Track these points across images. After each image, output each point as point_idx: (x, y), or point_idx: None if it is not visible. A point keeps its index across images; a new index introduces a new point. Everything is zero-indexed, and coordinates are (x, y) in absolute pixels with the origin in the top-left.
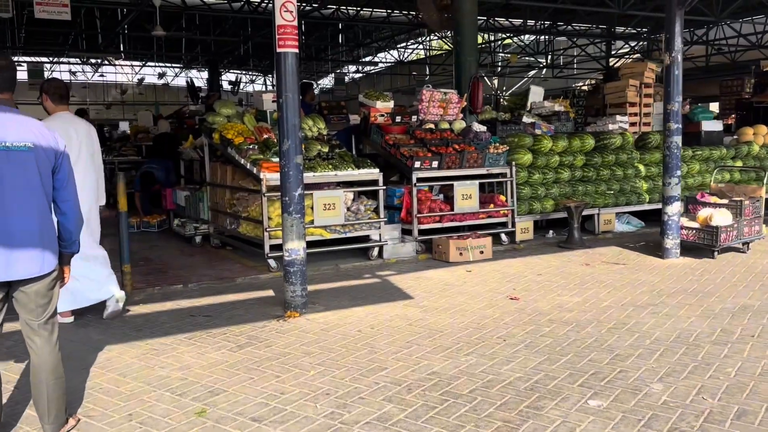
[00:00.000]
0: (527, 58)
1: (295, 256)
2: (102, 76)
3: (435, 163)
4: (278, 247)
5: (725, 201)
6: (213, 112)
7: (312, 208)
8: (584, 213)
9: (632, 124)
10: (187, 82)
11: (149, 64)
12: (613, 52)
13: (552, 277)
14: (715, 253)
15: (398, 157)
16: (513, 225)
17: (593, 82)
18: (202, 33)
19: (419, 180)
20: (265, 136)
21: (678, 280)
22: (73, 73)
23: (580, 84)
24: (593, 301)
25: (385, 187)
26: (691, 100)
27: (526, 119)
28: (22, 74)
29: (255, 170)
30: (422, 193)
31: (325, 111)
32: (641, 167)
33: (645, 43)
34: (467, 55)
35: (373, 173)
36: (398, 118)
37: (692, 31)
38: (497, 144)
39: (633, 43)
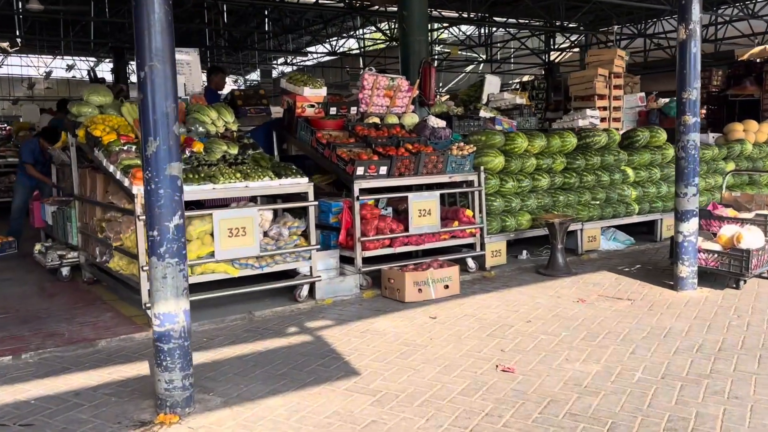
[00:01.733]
0: (463, 52)
1: (170, 325)
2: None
3: (383, 169)
4: None
5: (748, 214)
6: (79, 101)
7: (212, 235)
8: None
9: (601, 120)
10: (88, 72)
11: (59, 56)
12: (552, 47)
13: (547, 326)
14: (741, 282)
15: (334, 160)
16: (482, 247)
17: (531, 78)
18: (99, 14)
19: (363, 192)
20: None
21: (713, 326)
22: None
23: (521, 79)
24: (618, 370)
25: (316, 203)
26: (657, 93)
27: (484, 113)
28: None
29: (126, 181)
30: (367, 208)
31: (239, 102)
32: (629, 171)
33: (583, 37)
34: (416, 34)
35: (299, 183)
36: (333, 110)
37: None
38: (461, 144)
39: (574, 38)
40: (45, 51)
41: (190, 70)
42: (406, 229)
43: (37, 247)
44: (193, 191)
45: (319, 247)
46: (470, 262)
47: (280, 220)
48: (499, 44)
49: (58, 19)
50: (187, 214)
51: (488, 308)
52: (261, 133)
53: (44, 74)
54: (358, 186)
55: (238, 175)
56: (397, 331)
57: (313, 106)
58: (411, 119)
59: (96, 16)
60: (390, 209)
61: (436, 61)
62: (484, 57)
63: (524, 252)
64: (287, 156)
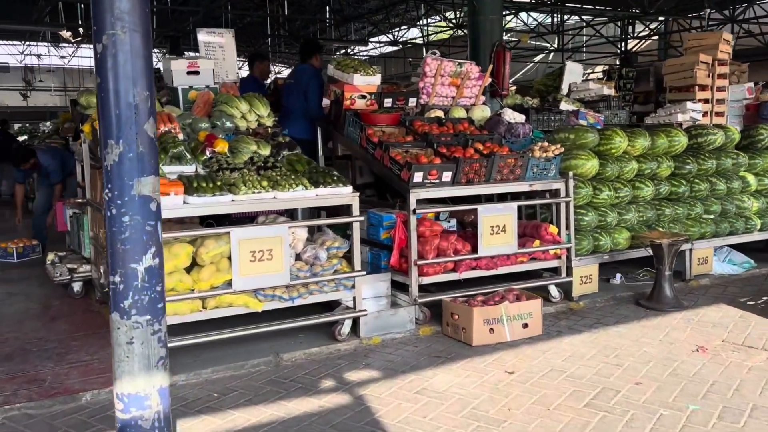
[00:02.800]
0: (532, 41)
1: (138, 410)
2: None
3: (447, 175)
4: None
5: None
6: (90, 90)
7: (229, 258)
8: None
9: (702, 114)
10: None
11: None
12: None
13: (664, 393)
14: None
15: (386, 163)
16: (569, 272)
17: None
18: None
19: (421, 203)
20: (163, 128)
21: None
22: (38, 56)
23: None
24: None
25: (362, 218)
26: (763, 84)
27: (565, 105)
28: None
29: (79, 207)
30: (426, 224)
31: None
32: (751, 178)
33: (662, 25)
34: (488, 12)
35: (341, 194)
36: (388, 102)
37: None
38: (544, 143)
39: (653, 25)
40: None
41: (223, 55)
42: (474, 250)
43: (50, 256)
44: (206, 204)
45: (365, 273)
46: (553, 290)
47: (317, 239)
48: (570, 32)
49: None
50: (197, 233)
51: (581, 359)
52: (302, 128)
53: None
54: (415, 196)
55: (265, 183)
56: (462, 394)
57: (364, 96)
58: (482, 113)
59: (158, 3)
60: (454, 221)
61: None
62: (553, 46)
63: (618, 276)
64: (333, 158)
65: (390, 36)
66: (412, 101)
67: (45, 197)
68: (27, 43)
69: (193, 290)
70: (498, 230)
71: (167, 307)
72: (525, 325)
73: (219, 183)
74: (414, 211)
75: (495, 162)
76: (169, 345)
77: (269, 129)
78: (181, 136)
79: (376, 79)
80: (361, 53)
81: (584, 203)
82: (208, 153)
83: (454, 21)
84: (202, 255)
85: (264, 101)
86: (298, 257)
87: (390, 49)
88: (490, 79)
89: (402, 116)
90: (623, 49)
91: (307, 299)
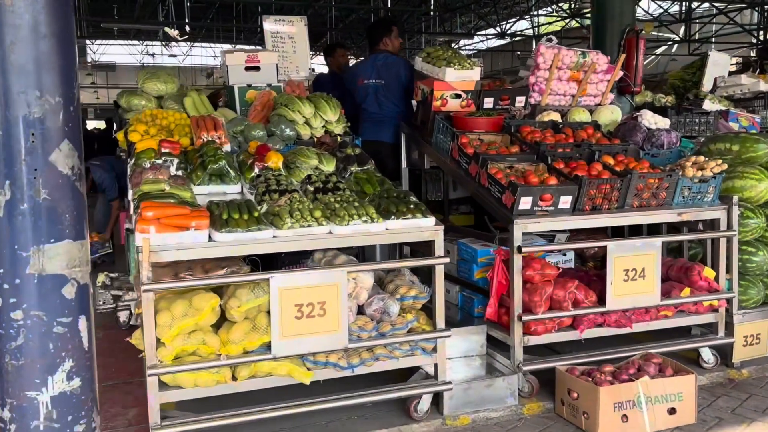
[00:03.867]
0: (654, 32)
1: None
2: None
3: (565, 200)
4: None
5: None
6: (131, 91)
7: (269, 313)
8: None
9: None
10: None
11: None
12: None
13: None
14: None
15: (483, 182)
16: (728, 329)
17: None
18: None
19: (528, 237)
20: (205, 137)
21: None
22: (152, 55)
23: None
24: None
25: (445, 260)
26: None
27: (711, 105)
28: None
29: (130, 222)
30: (535, 265)
31: None
32: None
33: None
34: None
35: (420, 227)
36: (489, 102)
37: None
38: (699, 157)
39: None
40: (221, 39)
41: (294, 47)
42: (601, 300)
43: (101, 278)
44: (237, 241)
45: (450, 334)
46: (706, 353)
47: (387, 284)
48: (699, 21)
49: (230, 4)
50: (228, 280)
51: None
52: (389, 132)
53: (220, 63)
54: (520, 228)
55: (319, 212)
56: None
57: (458, 96)
58: (611, 115)
59: (262, 5)
60: (571, 255)
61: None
62: (678, 36)
63: None
64: (418, 171)
65: (498, 29)
66: (520, 101)
67: (101, 215)
68: (145, 42)
69: (220, 355)
70: (635, 275)
71: (185, 377)
72: (672, 411)
73: (257, 213)
74: (519, 248)
75: (632, 183)
76: (185, 429)
77: (338, 137)
78: (227, 147)
79: (473, 74)
80: (466, 47)
81: (753, 238)
82: (257, 169)
83: (568, 9)
84: (233, 309)
85: (334, 103)
86: (360, 310)
87: (497, 42)
88: (621, 73)
89: (506, 120)
90: (763, 38)
91: (372, 367)
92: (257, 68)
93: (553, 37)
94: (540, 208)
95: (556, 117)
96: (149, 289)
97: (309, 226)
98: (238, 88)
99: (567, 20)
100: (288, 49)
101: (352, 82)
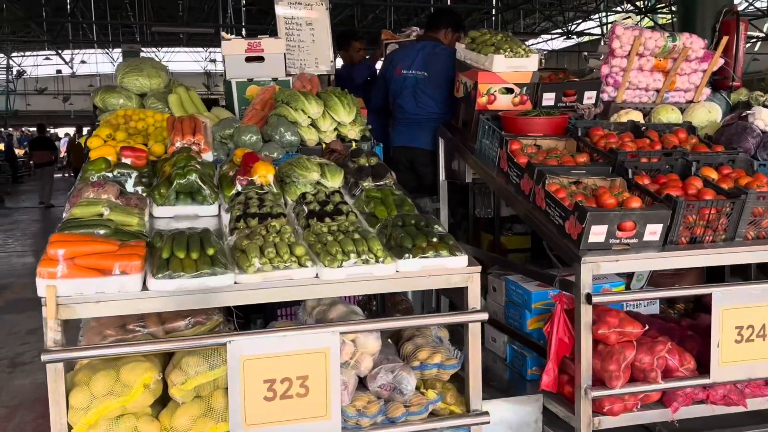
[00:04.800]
0: None
1: None
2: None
3: (653, 230)
4: None
5: None
6: (108, 88)
7: (228, 391)
8: None
9: None
10: None
11: None
12: None
13: None
14: None
15: (540, 204)
16: None
17: None
18: None
19: (601, 282)
20: (179, 142)
21: None
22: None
23: None
24: None
25: (483, 316)
26: None
27: None
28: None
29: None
30: (610, 319)
31: None
32: None
33: None
34: None
35: (446, 269)
36: (549, 99)
37: None
38: None
39: None
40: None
41: (313, 35)
42: (703, 367)
43: None
44: (182, 289)
45: (488, 419)
46: None
47: (404, 343)
48: None
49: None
50: (162, 346)
51: None
52: (425, 138)
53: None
54: (591, 269)
55: (301, 248)
56: None
57: (510, 90)
58: (707, 115)
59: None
60: (658, 301)
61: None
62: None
63: None
64: (459, 184)
65: (563, 29)
66: (590, 97)
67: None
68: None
69: None
70: (751, 334)
71: None
72: None
73: (212, 250)
74: (588, 297)
75: (747, 205)
76: None
77: (353, 143)
78: (209, 156)
79: (529, 63)
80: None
81: None
82: (238, 185)
83: (641, 5)
84: (176, 386)
85: (349, 100)
86: (362, 384)
87: (563, 44)
88: (722, 61)
89: (571, 121)
90: None
91: None
92: (260, 59)
93: (633, 16)
94: (618, 241)
95: (636, 117)
96: (53, 359)
97: (286, 267)
98: (236, 83)
99: (640, 17)
100: (305, 38)
101: (388, 70)
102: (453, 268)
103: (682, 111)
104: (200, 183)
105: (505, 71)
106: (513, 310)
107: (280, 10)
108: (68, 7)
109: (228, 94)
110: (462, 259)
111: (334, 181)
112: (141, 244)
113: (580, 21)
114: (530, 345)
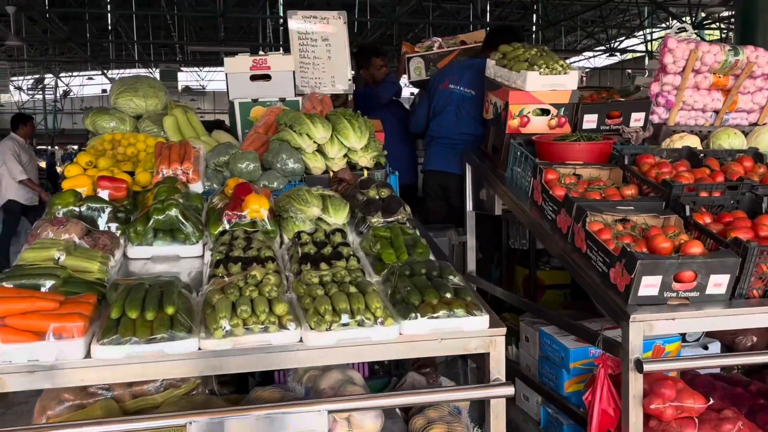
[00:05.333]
0: None
1: None
2: None
3: (718, 281)
4: None
5: None
6: (101, 111)
7: None
8: None
9: None
10: None
11: None
12: None
13: None
14: None
15: (579, 245)
16: None
17: None
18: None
19: (652, 336)
20: (165, 171)
21: None
22: None
23: None
24: None
25: (509, 390)
26: None
27: None
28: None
29: None
30: (663, 390)
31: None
32: None
33: None
34: None
35: (463, 331)
36: (590, 121)
37: None
38: None
39: None
40: None
41: (329, 51)
42: None
43: None
44: (132, 357)
45: None
46: None
47: (412, 419)
48: None
49: None
50: (108, 428)
51: None
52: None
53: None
54: (640, 331)
55: (283, 307)
56: None
57: (545, 112)
58: None
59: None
60: (715, 345)
61: None
62: None
63: None
64: (486, 219)
65: (606, 45)
66: (638, 119)
67: None
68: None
69: None
70: None
71: None
72: None
73: (172, 309)
74: (638, 364)
75: None
76: None
77: (365, 171)
78: (198, 186)
79: (568, 80)
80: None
81: None
82: (225, 221)
83: (689, 21)
84: None
85: (361, 123)
86: None
87: (605, 62)
88: None
89: (616, 147)
90: None
91: None
92: (267, 77)
93: (687, 26)
94: (675, 294)
95: (693, 142)
96: None
97: (263, 330)
98: (239, 103)
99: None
100: (321, 55)
101: (433, 84)
102: (471, 331)
103: (746, 135)
104: (181, 219)
105: (540, 90)
106: (548, 368)
107: (294, 25)
108: (110, 26)
109: (231, 116)
110: (482, 320)
111: (338, 216)
112: (90, 300)
113: (623, 38)
114: (567, 411)
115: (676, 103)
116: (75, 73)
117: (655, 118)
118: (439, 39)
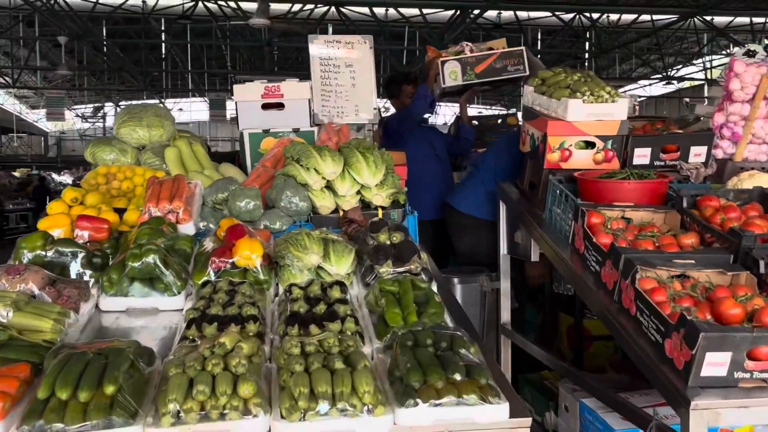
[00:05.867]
0: None
1: None
2: None
3: None
4: None
5: None
6: (101, 141)
7: None
8: None
9: None
10: None
11: None
12: None
13: None
14: None
15: (631, 309)
16: None
17: None
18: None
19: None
20: (152, 210)
21: None
22: None
23: None
24: None
25: None
26: None
27: None
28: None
29: None
30: None
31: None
32: None
33: None
34: None
35: (474, 422)
36: (642, 156)
37: None
38: None
39: None
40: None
41: (353, 79)
42: None
43: None
44: None
45: None
46: None
47: None
48: None
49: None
50: None
51: None
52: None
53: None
54: (705, 421)
55: (249, 387)
56: None
57: (590, 145)
58: None
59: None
60: None
61: None
62: None
63: None
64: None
65: (663, 74)
66: (698, 153)
67: None
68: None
69: None
70: None
71: None
72: None
73: (112, 387)
74: None
75: None
76: None
77: (379, 211)
78: (189, 227)
79: (616, 109)
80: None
81: None
82: (211, 270)
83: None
84: None
85: (377, 156)
86: None
87: (662, 90)
88: None
89: (673, 186)
90: None
91: None
92: (280, 105)
93: (758, 46)
94: (748, 375)
95: (765, 181)
96: None
97: (221, 416)
98: (249, 134)
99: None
100: (344, 82)
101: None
102: (485, 423)
103: None
104: (161, 266)
105: (584, 120)
106: None
107: (315, 50)
108: (163, 55)
109: (241, 149)
110: (499, 409)
111: (340, 265)
112: (20, 372)
113: (680, 66)
114: None
115: (745, 136)
116: (133, 102)
117: (719, 153)
118: (470, 44)
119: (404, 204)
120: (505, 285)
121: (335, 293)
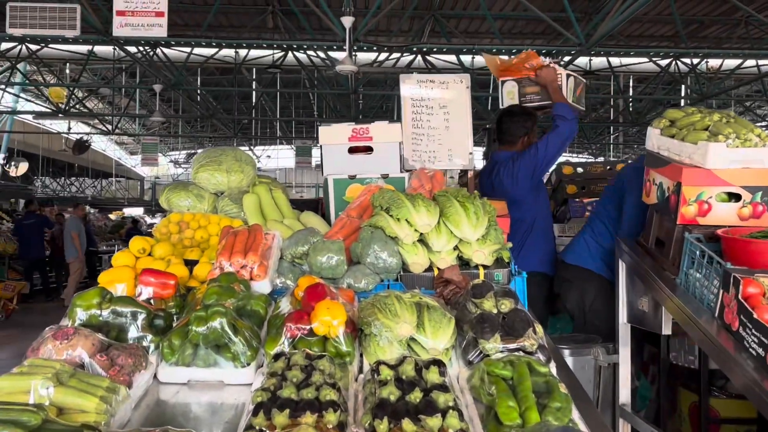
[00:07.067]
0: None
1: None
2: None
3: None
4: None
5: None
6: (178, 186)
7: None
8: None
9: None
10: None
11: None
12: None
13: None
14: None
15: None
16: None
17: None
18: None
19: None
20: (224, 265)
21: None
22: None
23: None
24: None
25: None
26: None
27: None
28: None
29: None
30: None
31: (569, 188)
32: None
33: None
34: None
35: None
36: None
37: None
38: None
39: None
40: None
41: (447, 121)
42: None
43: None
44: None
45: None
46: None
47: None
48: None
49: None
50: None
51: None
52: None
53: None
54: None
55: None
56: None
57: (735, 197)
58: None
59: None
60: None
61: None
62: None
63: None
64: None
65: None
66: None
67: None
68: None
69: None
70: None
71: None
72: None
73: None
74: None
75: None
76: None
77: (482, 269)
78: (264, 284)
79: (766, 154)
80: None
81: None
82: (285, 338)
83: None
84: None
85: (478, 206)
86: None
87: None
88: None
89: None
90: None
91: None
92: (368, 149)
93: None
94: None
95: None
96: None
97: None
98: (334, 180)
99: None
100: (437, 125)
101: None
102: None
103: None
104: (229, 333)
105: (728, 167)
106: None
107: (407, 90)
108: (253, 102)
109: (325, 196)
110: None
111: (437, 338)
112: None
113: None
114: None
115: None
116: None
117: None
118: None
119: (509, 262)
120: (624, 358)
121: (433, 376)
